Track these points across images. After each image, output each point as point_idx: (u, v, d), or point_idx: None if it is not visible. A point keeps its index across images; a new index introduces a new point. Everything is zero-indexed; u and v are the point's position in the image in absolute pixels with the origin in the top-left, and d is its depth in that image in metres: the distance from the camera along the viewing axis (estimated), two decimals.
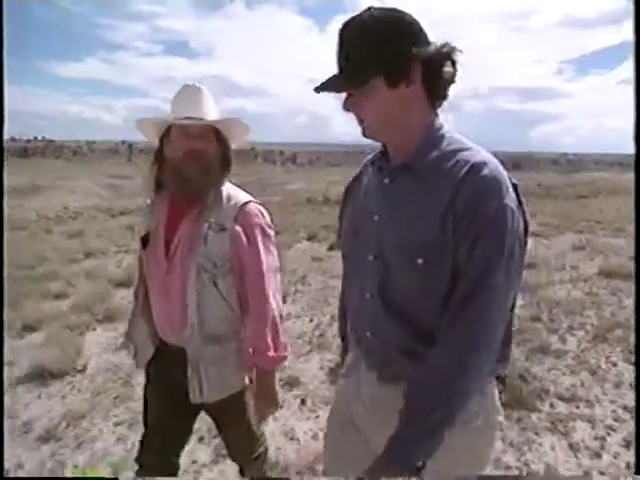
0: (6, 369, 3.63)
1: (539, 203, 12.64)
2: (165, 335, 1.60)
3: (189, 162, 1.43)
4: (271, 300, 1.50)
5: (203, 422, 2.17)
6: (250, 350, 1.56)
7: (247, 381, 1.62)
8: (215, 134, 1.48)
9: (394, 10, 1.00)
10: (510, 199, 0.95)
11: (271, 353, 1.51)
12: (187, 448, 1.82)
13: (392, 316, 1.06)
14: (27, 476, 2.17)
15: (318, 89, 1.02)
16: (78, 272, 6.47)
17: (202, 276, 1.46)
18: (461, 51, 1.01)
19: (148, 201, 1.64)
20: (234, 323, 1.56)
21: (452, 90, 1.04)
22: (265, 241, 1.53)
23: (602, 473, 2.12)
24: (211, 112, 1.50)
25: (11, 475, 2.27)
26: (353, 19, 1.00)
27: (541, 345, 3.43)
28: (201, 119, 1.45)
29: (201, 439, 2.57)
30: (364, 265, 1.10)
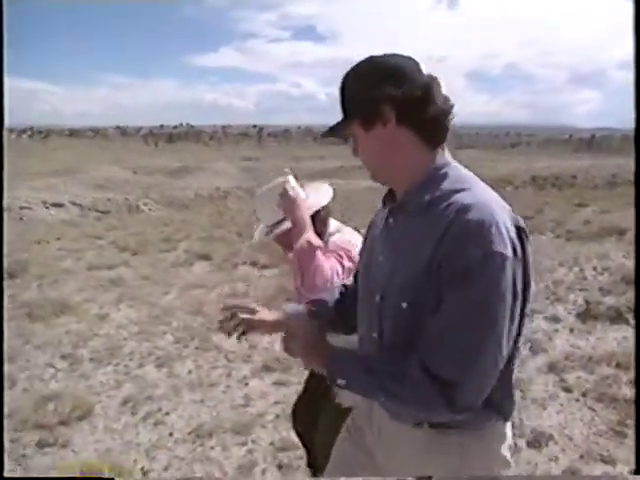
0: None
1: None
2: None
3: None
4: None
5: None
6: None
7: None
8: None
9: (382, 55, 1.01)
10: (502, 245, 0.88)
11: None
12: None
13: (379, 335, 1.03)
14: (27, 476, 2.23)
15: (324, 136, 1.12)
16: None
17: None
18: (440, 84, 0.98)
19: None
20: None
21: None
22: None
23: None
24: (267, 217, 1.77)
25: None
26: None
27: None
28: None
29: None
30: (372, 305, 1.07)
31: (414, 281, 0.94)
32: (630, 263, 5.34)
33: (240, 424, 2.63)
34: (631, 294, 4.36)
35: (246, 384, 3.15)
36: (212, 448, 2.45)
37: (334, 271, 1.59)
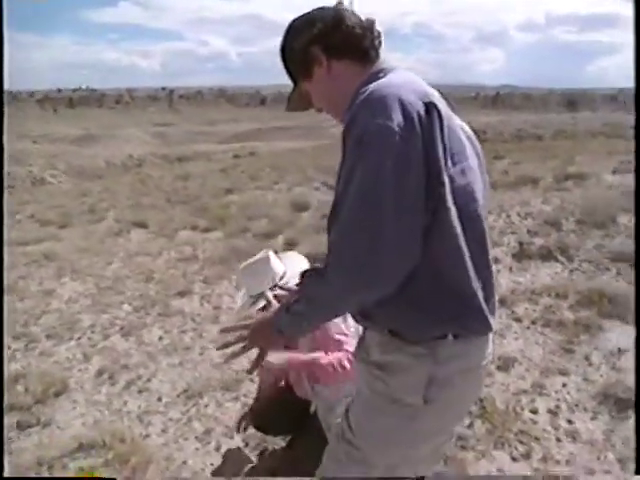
0: None
1: (614, 143, 13.11)
2: None
3: None
4: None
5: None
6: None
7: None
8: None
9: (295, 17, 1.12)
10: (386, 116, 0.88)
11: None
12: None
13: None
14: (27, 476, 2.21)
15: (289, 110, 1.24)
16: (236, 201, 7.93)
17: None
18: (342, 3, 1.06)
19: None
20: None
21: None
22: None
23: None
24: (251, 288, 1.80)
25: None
26: None
27: None
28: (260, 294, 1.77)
29: None
30: None
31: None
32: (548, 208, 5.89)
33: (227, 381, 2.66)
34: (556, 235, 4.86)
35: None
36: (206, 406, 2.47)
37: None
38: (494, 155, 12.88)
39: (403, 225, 0.90)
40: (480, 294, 1.04)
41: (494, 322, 1.09)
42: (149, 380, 2.76)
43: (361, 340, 1.24)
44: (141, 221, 6.91)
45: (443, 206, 0.95)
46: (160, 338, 3.27)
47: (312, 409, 1.97)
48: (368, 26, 1.07)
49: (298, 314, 1.02)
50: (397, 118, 0.88)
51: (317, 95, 1.13)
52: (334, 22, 1.05)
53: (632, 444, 2.05)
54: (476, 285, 1.02)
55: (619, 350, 2.75)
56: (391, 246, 0.90)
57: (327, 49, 1.06)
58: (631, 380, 2.47)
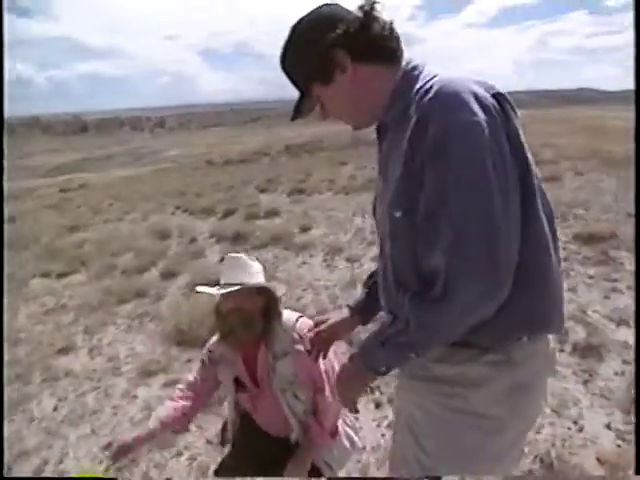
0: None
1: None
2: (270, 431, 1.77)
3: (232, 317, 1.58)
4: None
5: None
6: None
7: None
8: (255, 291, 1.58)
9: (308, 14, 1.00)
10: (468, 111, 0.83)
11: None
12: None
13: (390, 274, 1.03)
14: (27, 476, 2.18)
15: (294, 119, 1.09)
16: (87, 238, 7.08)
17: (286, 394, 1.64)
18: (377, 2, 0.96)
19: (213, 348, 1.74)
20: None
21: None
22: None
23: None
24: (245, 277, 1.58)
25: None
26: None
27: None
28: (236, 284, 1.55)
29: None
30: (380, 226, 1.07)
31: (401, 187, 0.92)
32: None
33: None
34: None
35: (134, 397, 2.78)
36: (145, 473, 2.14)
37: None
38: (339, 161, 13.70)
39: (511, 225, 0.86)
40: (559, 291, 1.00)
41: None
42: (61, 462, 2.29)
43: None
44: None
45: (532, 199, 0.91)
46: (55, 408, 2.75)
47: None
48: (390, 24, 0.98)
49: (403, 345, 0.94)
50: (479, 112, 0.84)
51: (335, 101, 1.02)
52: (363, 23, 0.95)
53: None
54: (557, 283, 0.99)
55: None
56: (506, 249, 0.84)
57: (353, 52, 0.96)
58: None
